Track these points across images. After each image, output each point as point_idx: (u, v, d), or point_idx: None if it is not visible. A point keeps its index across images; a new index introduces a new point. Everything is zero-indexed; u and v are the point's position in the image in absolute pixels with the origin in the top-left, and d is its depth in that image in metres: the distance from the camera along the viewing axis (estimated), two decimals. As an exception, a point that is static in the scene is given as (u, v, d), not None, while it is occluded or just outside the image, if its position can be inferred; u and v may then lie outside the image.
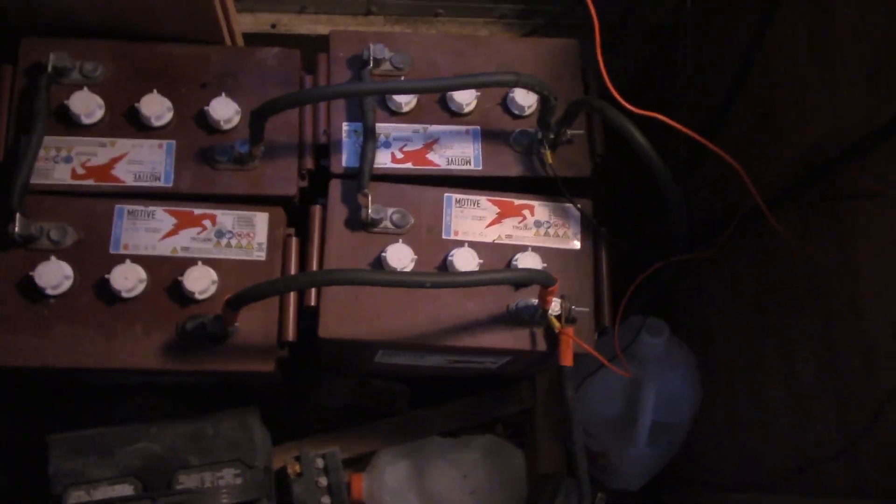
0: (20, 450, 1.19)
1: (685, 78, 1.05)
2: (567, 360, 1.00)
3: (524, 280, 0.97)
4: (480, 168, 1.08)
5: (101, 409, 1.28)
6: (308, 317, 1.01)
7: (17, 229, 0.95)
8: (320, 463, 1.21)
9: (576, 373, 1.29)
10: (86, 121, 1.02)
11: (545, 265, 1.04)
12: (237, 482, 1.06)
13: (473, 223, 1.06)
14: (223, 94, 1.04)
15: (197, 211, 1.02)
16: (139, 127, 1.03)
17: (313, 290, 1.00)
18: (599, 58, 0.94)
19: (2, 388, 1.20)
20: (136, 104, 1.02)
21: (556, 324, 1.00)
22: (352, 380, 1.43)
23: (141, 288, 0.97)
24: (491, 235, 1.06)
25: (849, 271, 0.94)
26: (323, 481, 1.20)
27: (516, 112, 1.10)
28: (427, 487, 1.30)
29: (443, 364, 1.19)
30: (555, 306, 1.01)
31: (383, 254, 1.00)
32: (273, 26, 1.28)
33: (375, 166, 1.04)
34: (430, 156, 1.07)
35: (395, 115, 1.08)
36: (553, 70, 1.13)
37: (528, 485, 1.32)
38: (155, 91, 1.03)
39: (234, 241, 1.02)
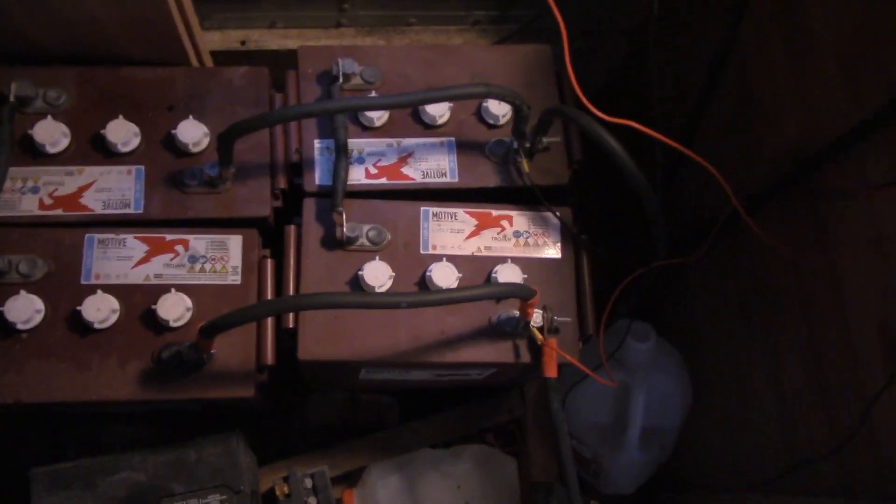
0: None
1: (657, 82, 1.03)
2: (551, 371, 0.98)
3: (503, 295, 0.96)
4: (456, 180, 1.06)
5: (83, 438, 1.27)
6: (288, 338, 1.00)
7: (-16, 264, 0.93)
8: (308, 483, 1.19)
9: (563, 381, 1.28)
10: (51, 150, 1.00)
11: (525, 276, 1.02)
12: (223, 508, 1.05)
13: (451, 236, 1.04)
14: (191, 117, 1.02)
15: (169, 236, 1.00)
16: (106, 153, 1.02)
17: (293, 312, 0.98)
18: (569, 66, 0.93)
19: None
20: (102, 130, 1.00)
21: (539, 336, 0.99)
22: (339, 396, 1.42)
23: (114, 318, 0.96)
24: (470, 248, 1.04)
25: (831, 272, 0.92)
26: (312, 501, 1.18)
27: (491, 122, 1.09)
28: (420, 500, 1.28)
29: (429, 378, 1.18)
30: (537, 317, 1.00)
31: (360, 272, 0.99)
32: (243, 43, 1.26)
33: (350, 183, 1.03)
34: (405, 170, 1.06)
35: (368, 129, 1.07)
36: (526, 77, 1.11)
37: (521, 493, 1.31)
38: (121, 116, 1.01)
39: (207, 266, 1.00)
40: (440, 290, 0.97)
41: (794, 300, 1.01)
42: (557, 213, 1.06)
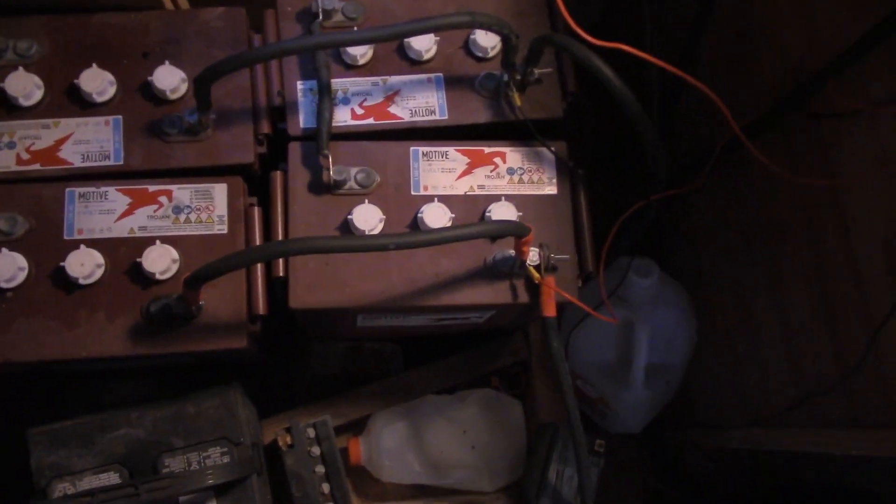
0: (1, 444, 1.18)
1: (651, 4, 0.98)
2: (549, 310, 0.96)
3: (495, 233, 0.93)
4: (446, 117, 1.02)
5: (84, 396, 1.26)
6: (280, 286, 0.98)
7: (-37, 223, 0.91)
8: (311, 433, 1.18)
9: (566, 320, 1.27)
10: (25, 102, 0.97)
11: (521, 214, 0.99)
12: (224, 460, 1.04)
13: (443, 176, 1.01)
14: (167, 63, 0.99)
15: (151, 188, 0.98)
16: (82, 105, 0.98)
17: (281, 260, 0.96)
18: (555, -12, 0.88)
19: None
20: (77, 81, 0.97)
21: (536, 274, 0.96)
22: (342, 345, 1.40)
23: (99, 273, 0.94)
24: (462, 187, 1.01)
25: (835, 194, 0.89)
26: (316, 451, 1.18)
27: (480, 55, 1.04)
28: (426, 446, 1.28)
29: (429, 323, 1.16)
30: (533, 256, 0.97)
31: (350, 216, 0.96)
32: (221, -16, 1.21)
33: (335, 124, 1.00)
34: (392, 109, 1.02)
35: (352, 68, 1.03)
36: (516, 6, 1.07)
37: (528, 435, 1.30)
38: (94, 65, 0.98)
39: (192, 217, 0.97)
40: (429, 231, 0.94)
41: (798, 226, 0.97)
42: (552, 148, 1.03)
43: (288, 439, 1.18)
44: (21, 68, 0.97)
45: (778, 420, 1.02)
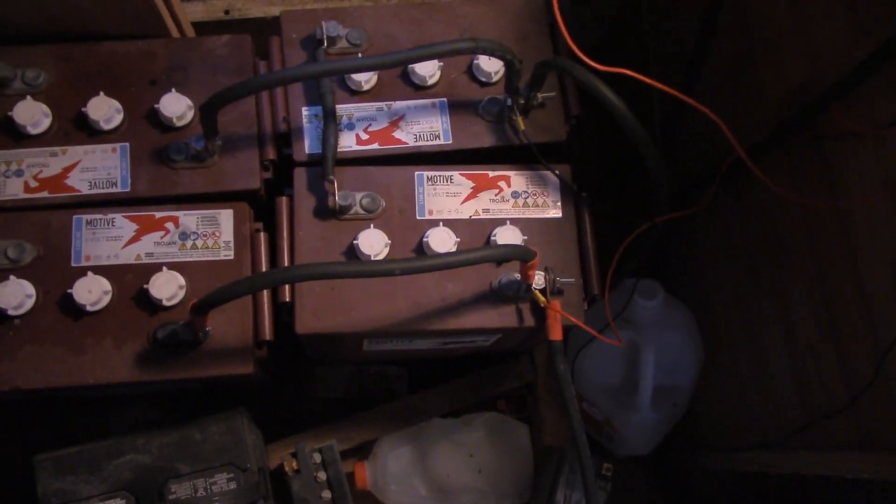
0: (6, 469, 1.17)
1: (651, 30, 0.99)
2: (556, 334, 0.96)
3: (501, 257, 0.93)
4: (450, 141, 1.03)
5: (90, 422, 1.26)
6: (286, 311, 0.98)
7: (-29, 251, 0.91)
8: (317, 457, 1.18)
9: (572, 342, 1.27)
10: (33, 131, 0.98)
11: (526, 238, 0.99)
12: (231, 487, 1.04)
13: (448, 200, 1.02)
14: (173, 90, 1.00)
15: (158, 214, 0.98)
16: (89, 132, 0.99)
17: (287, 286, 0.96)
18: (558, 15, 0.89)
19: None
20: (84, 108, 0.98)
21: (541, 298, 0.96)
22: (346, 369, 1.40)
23: (106, 300, 0.94)
24: (467, 211, 1.01)
25: (841, 217, 0.89)
26: (322, 476, 1.17)
27: (483, 79, 1.05)
28: (432, 470, 1.27)
29: (435, 346, 1.15)
30: (539, 280, 0.97)
31: (355, 241, 0.97)
32: (226, 12, 1.22)
33: (340, 150, 1.00)
34: (397, 133, 1.03)
35: (356, 94, 1.04)
36: (518, 30, 1.07)
37: (534, 459, 1.29)
38: (101, 93, 0.99)
39: (199, 242, 0.98)
40: (435, 255, 0.94)
41: (803, 248, 0.97)
42: (556, 171, 1.03)
43: (294, 464, 1.17)
44: (29, 97, 0.98)
45: (786, 442, 1.02)
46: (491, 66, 1.04)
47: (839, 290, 0.90)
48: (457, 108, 1.04)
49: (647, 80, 0.87)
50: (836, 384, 0.91)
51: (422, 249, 0.99)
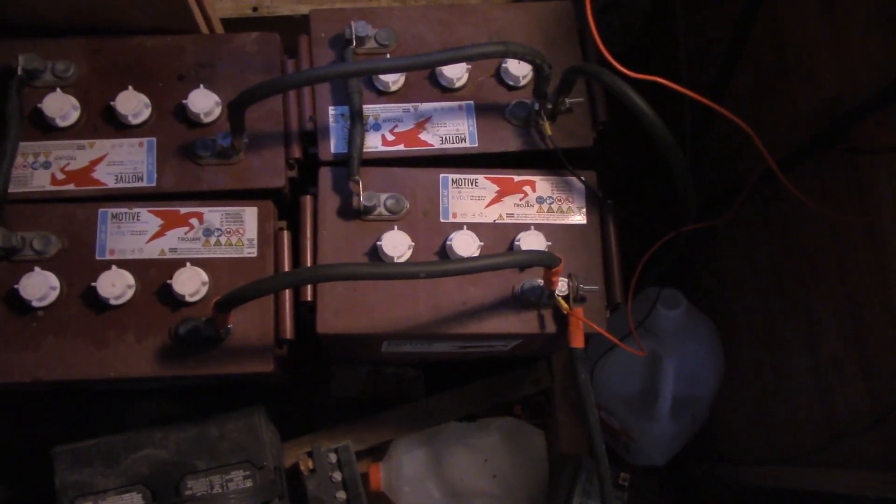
0: (24, 460, 1.18)
1: (684, 37, 0.98)
2: (577, 342, 0.95)
3: (525, 263, 0.92)
4: (476, 145, 1.02)
5: (108, 415, 1.26)
6: (307, 311, 0.98)
7: (-3, 242, 0.92)
8: (333, 458, 1.18)
9: (591, 350, 1.26)
10: (61, 123, 0.98)
11: (550, 243, 0.99)
12: (247, 484, 1.04)
13: (472, 203, 1.01)
14: (201, 86, 1.00)
15: (183, 210, 0.98)
16: (117, 126, 1.00)
17: (309, 285, 0.96)
18: (591, 21, 0.88)
19: (3, 396, 1.18)
20: (112, 102, 0.98)
21: (564, 305, 0.95)
22: (363, 369, 1.40)
23: (130, 294, 0.94)
24: (491, 215, 1.01)
25: (871, 232, 0.87)
26: (337, 476, 1.17)
27: (511, 83, 1.05)
28: (447, 474, 1.27)
29: (453, 350, 1.15)
30: (562, 286, 0.96)
31: (378, 242, 0.96)
32: (255, 9, 1.22)
33: (366, 150, 1.00)
34: (423, 135, 1.02)
35: (383, 94, 1.03)
36: (547, 35, 1.07)
37: (550, 466, 1.28)
38: (130, 87, 0.99)
39: (223, 239, 0.98)
40: (460, 259, 0.94)
41: (831, 263, 0.96)
42: (582, 177, 1.02)
43: (310, 464, 1.17)
44: (58, 89, 0.98)
45: (807, 458, 1.00)
46: (519, 70, 1.03)
47: (867, 307, 0.89)
48: (484, 111, 1.04)
49: (679, 88, 0.87)
50: (862, 402, 0.90)
51: (445, 252, 0.98)
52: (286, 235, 0.99)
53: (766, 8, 0.96)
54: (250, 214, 0.99)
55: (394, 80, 1.02)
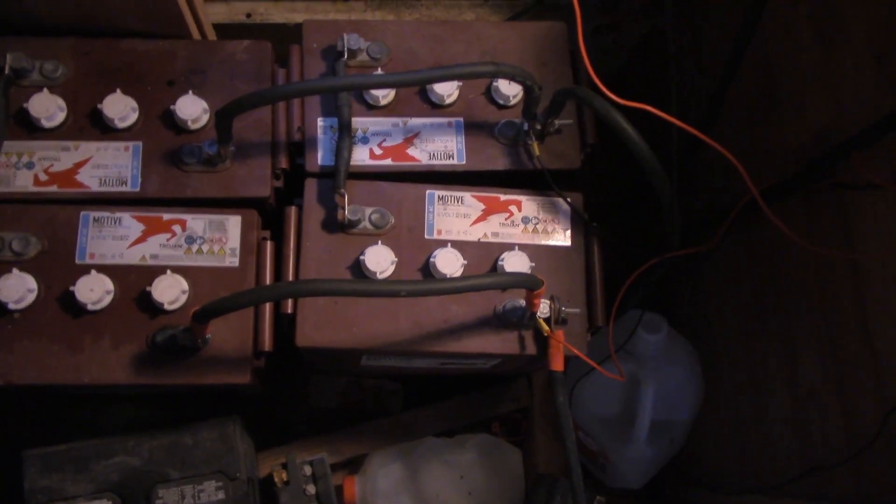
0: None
1: (675, 65, 0.98)
2: (557, 364, 0.95)
3: (508, 285, 0.92)
4: (464, 162, 1.02)
5: (81, 417, 1.25)
6: (287, 322, 0.97)
7: (-25, 242, 0.91)
8: (308, 470, 1.17)
9: (571, 370, 1.26)
10: (47, 124, 0.97)
11: (533, 264, 0.99)
12: (219, 496, 1.03)
13: (457, 221, 1.01)
14: (190, 92, 0.99)
15: (166, 216, 0.97)
16: (103, 129, 0.99)
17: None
18: (581, 45, 0.88)
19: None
20: (100, 105, 0.97)
21: (545, 327, 0.95)
22: (342, 380, 1.39)
23: (108, 299, 0.93)
24: (476, 234, 1.01)
25: (854, 268, 0.88)
26: (311, 489, 1.16)
27: (501, 102, 1.04)
28: (422, 489, 1.26)
29: (433, 365, 1.14)
30: (544, 308, 0.96)
31: (362, 257, 0.96)
32: (248, 15, 1.22)
33: (353, 163, 1.00)
34: (411, 150, 1.02)
35: (373, 108, 1.03)
36: (539, 56, 1.07)
37: (526, 484, 1.28)
38: (118, 91, 0.98)
39: (205, 248, 0.97)
40: (442, 280, 0.93)
41: (813, 296, 0.96)
42: (568, 199, 1.02)
43: (284, 476, 1.16)
44: (45, 90, 0.97)
45: (782, 489, 1.00)
46: (510, 89, 1.03)
47: (847, 342, 0.89)
48: (472, 128, 1.03)
49: (668, 118, 0.87)
50: (838, 436, 0.90)
51: (428, 269, 0.98)
52: (269, 246, 0.99)
53: (757, 39, 0.96)
54: (234, 223, 0.98)
55: (384, 95, 1.02)
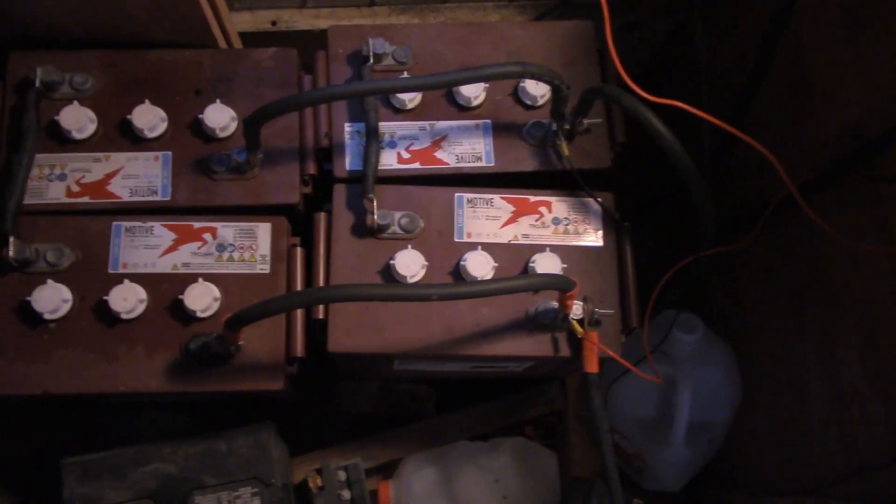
0: (32, 469, 1.18)
1: (704, 60, 0.96)
2: (592, 366, 0.94)
3: (540, 286, 0.91)
4: (493, 164, 1.02)
5: (117, 425, 1.26)
6: (319, 328, 0.97)
7: (11, 253, 0.92)
8: (342, 475, 1.16)
9: (606, 372, 1.24)
10: (78, 136, 0.98)
11: (565, 266, 0.98)
12: (255, 502, 1.03)
13: (487, 223, 1.00)
14: (218, 101, 0.99)
15: (196, 224, 0.98)
16: (133, 139, 1.00)
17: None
18: (610, 43, 0.87)
19: (10, 406, 1.18)
20: (129, 116, 0.98)
21: (579, 329, 0.94)
22: (374, 385, 1.39)
23: (141, 308, 0.94)
24: (506, 236, 1.00)
25: (893, 263, 0.86)
26: (346, 494, 1.16)
27: (528, 102, 1.04)
28: (457, 494, 1.25)
29: (465, 369, 1.14)
30: (577, 309, 0.95)
31: (392, 261, 0.95)
32: (273, 23, 1.22)
33: (381, 168, 0.99)
34: (439, 154, 1.02)
35: (400, 112, 1.03)
36: (566, 55, 1.06)
37: (561, 487, 1.26)
38: (147, 101, 0.99)
39: (236, 255, 0.97)
40: (473, 282, 0.93)
41: (853, 293, 0.94)
42: (599, 199, 1.01)
43: (318, 481, 1.16)
44: (76, 102, 0.98)
45: (824, 491, 0.98)
46: (537, 89, 1.02)
47: (889, 338, 0.87)
48: (500, 130, 1.03)
49: (699, 113, 0.85)
50: (883, 435, 0.88)
51: (458, 273, 0.97)
52: (299, 252, 0.99)
53: (789, 31, 0.95)
54: (264, 230, 0.99)
55: (410, 98, 1.01)
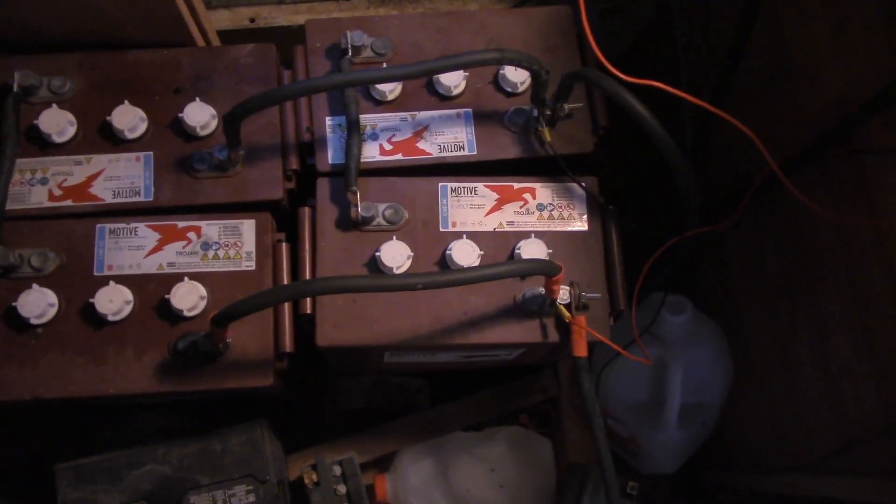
0: (25, 475, 1.18)
1: (683, 41, 0.96)
2: (580, 350, 0.94)
3: (525, 272, 0.91)
4: (475, 153, 1.01)
5: (110, 427, 1.26)
6: (307, 323, 0.97)
7: (-5, 259, 0.91)
8: (337, 470, 1.16)
9: (597, 357, 1.24)
10: (58, 139, 0.98)
11: (551, 251, 0.98)
12: (250, 499, 1.03)
13: (471, 212, 1.00)
14: (197, 99, 0.99)
15: (181, 224, 0.98)
16: (114, 141, 0.99)
17: (308, 298, 0.95)
18: (586, 25, 0.87)
19: (2, 413, 1.18)
20: (109, 117, 0.98)
21: (566, 313, 0.94)
22: (368, 379, 1.39)
23: (128, 310, 0.93)
24: (491, 224, 1.00)
25: (880, 234, 0.86)
26: (342, 489, 1.16)
27: (509, 90, 1.03)
28: (454, 484, 1.25)
29: (457, 359, 1.14)
30: (564, 294, 0.95)
31: (377, 253, 0.95)
32: (252, 20, 1.22)
33: (363, 160, 0.99)
34: (421, 144, 1.01)
35: (381, 104, 1.02)
36: (545, 41, 1.06)
37: (558, 474, 1.27)
38: (126, 102, 0.98)
39: (221, 253, 0.97)
40: (458, 270, 0.93)
41: (840, 267, 0.94)
42: (583, 183, 1.01)
43: (314, 477, 1.16)
44: (54, 105, 0.98)
45: (819, 466, 0.98)
46: (517, 76, 1.02)
47: (877, 311, 0.87)
48: (482, 118, 1.02)
49: (678, 93, 0.85)
50: (873, 407, 0.88)
51: (444, 262, 0.97)
52: (285, 247, 0.99)
53: (766, 8, 0.95)
54: (248, 227, 0.98)
55: (391, 90, 1.01)
